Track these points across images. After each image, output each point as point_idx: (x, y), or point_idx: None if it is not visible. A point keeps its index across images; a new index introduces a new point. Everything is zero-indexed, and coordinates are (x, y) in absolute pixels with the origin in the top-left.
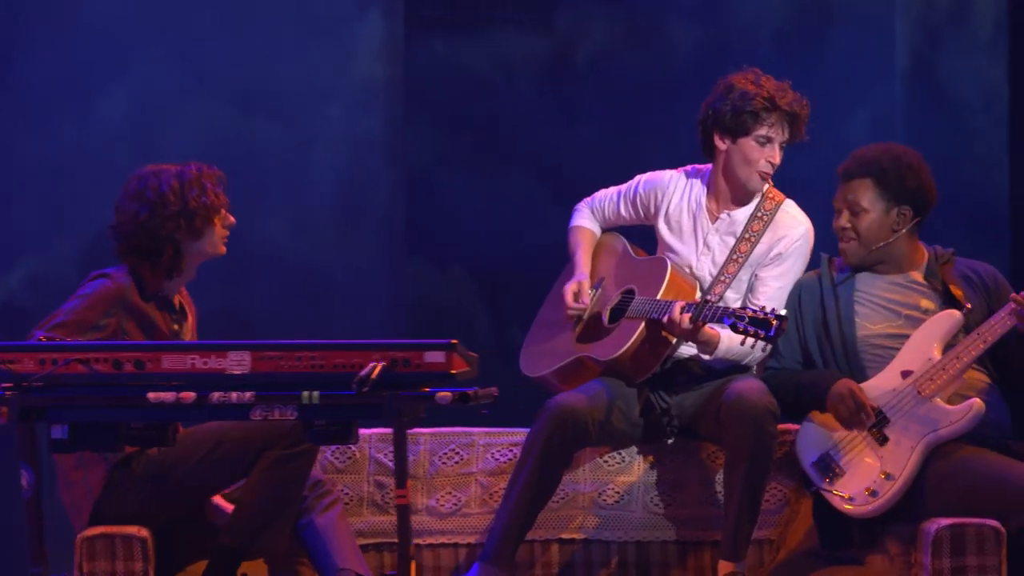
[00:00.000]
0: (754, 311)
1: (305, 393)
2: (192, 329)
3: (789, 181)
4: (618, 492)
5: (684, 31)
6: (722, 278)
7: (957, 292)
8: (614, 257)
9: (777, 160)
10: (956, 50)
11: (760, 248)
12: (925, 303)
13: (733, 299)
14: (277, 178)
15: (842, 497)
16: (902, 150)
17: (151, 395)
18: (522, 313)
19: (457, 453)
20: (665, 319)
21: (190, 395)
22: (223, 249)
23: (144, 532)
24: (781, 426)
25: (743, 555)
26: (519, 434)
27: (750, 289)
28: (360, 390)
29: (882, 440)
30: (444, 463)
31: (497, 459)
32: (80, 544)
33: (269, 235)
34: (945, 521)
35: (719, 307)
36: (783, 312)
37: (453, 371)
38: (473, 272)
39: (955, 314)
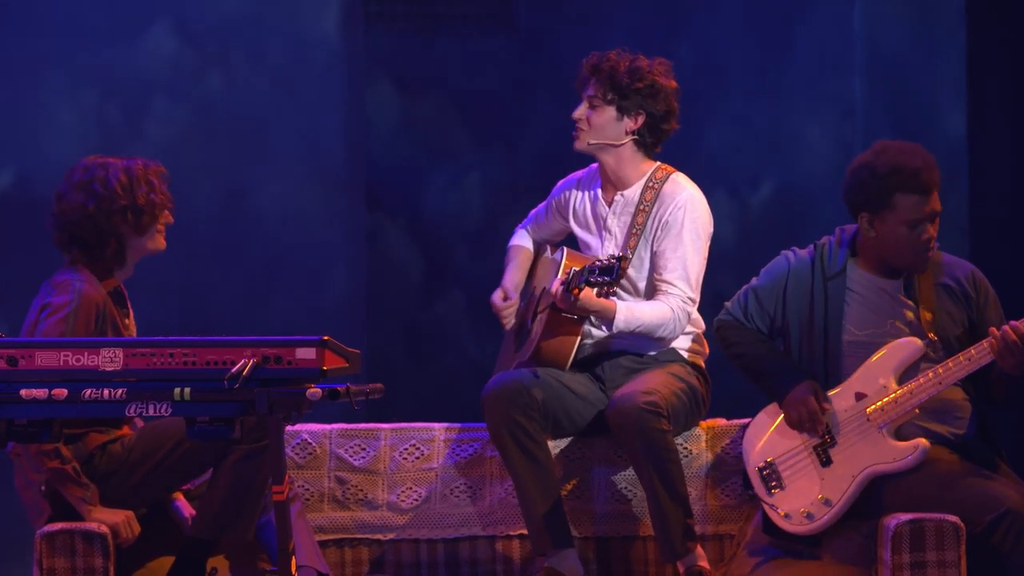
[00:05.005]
0: (601, 261)
1: (177, 390)
2: (133, 321)
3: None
4: (578, 488)
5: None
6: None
7: (925, 316)
8: (550, 267)
9: (577, 113)
10: (915, 43)
11: (652, 219)
12: (910, 315)
13: (636, 278)
14: (243, 139)
15: (779, 513)
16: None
17: (23, 392)
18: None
19: (418, 448)
20: (551, 295)
21: (62, 392)
22: (163, 244)
23: (104, 528)
24: (708, 422)
25: (685, 551)
26: (480, 429)
27: (652, 267)
28: (232, 386)
29: (826, 461)
30: (405, 459)
31: (458, 454)
32: (40, 540)
33: (231, 192)
34: (905, 516)
35: (580, 270)
36: (622, 254)
37: (325, 367)
38: (428, 232)
39: (916, 343)
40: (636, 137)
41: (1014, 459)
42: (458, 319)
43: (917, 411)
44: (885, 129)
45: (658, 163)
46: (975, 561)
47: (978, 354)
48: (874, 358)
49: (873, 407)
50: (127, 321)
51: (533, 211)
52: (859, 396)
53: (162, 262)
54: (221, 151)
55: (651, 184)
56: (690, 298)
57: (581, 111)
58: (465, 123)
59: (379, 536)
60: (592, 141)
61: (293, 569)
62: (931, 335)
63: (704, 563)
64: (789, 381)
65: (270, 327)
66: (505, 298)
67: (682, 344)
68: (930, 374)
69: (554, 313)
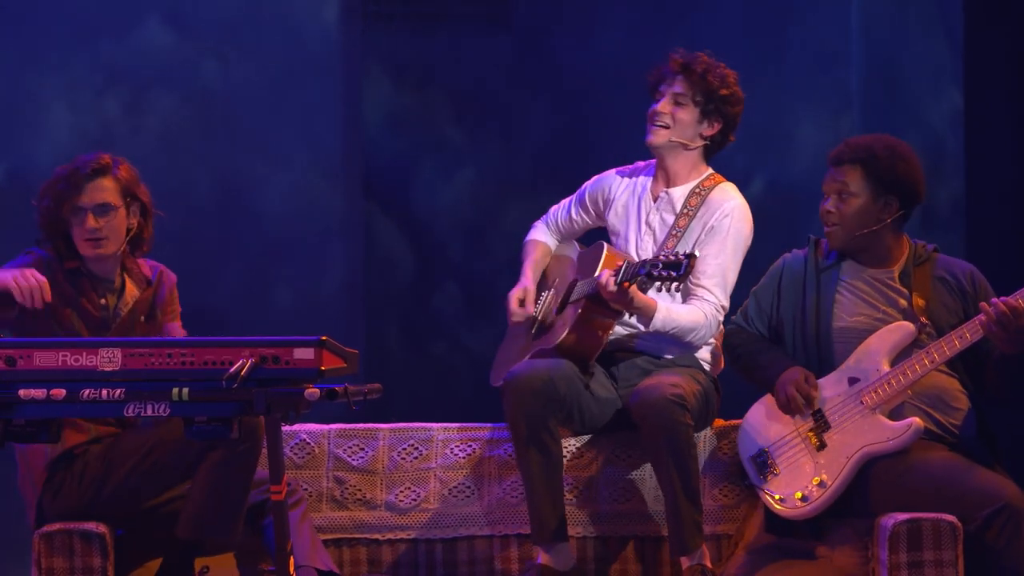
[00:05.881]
0: (666, 255)
1: (175, 390)
2: (132, 301)
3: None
4: (578, 487)
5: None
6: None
7: (918, 302)
8: (567, 263)
9: (663, 108)
10: (911, 41)
11: (696, 223)
12: (903, 302)
13: None
14: (241, 135)
15: (773, 498)
16: (896, 141)
17: (22, 392)
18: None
19: (416, 448)
20: (597, 286)
21: (60, 392)
22: (86, 251)
23: (103, 528)
24: (720, 421)
25: (694, 546)
26: (477, 429)
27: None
28: (230, 386)
29: (820, 445)
30: (403, 458)
31: (456, 454)
32: (38, 540)
33: (228, 187)
34: (902, 516)
35: (638, 263)
36: (693, 251)
37: (323, 368)
38: (424, 228)
39: (908, 326)
40: (707, 143)
41: (1013, 459)
42: (456, 315)
43: (910, 392)
44: (881, 124)
45: (710, 171)
46: (970, 559)
47: (970, 332)
48: (866, 343)
49: (866, 390)
50: (104, 302)
51: (555, 206)
52: (852, 381)
53: (159, 256)
54: (218, 146)
55: (698, 190)
56: (723, 306)
57: (666, 106)
58: (462, 121)
59: (377, 536)
60: (673, 138)
61: (291, 569)
62: (923, 319)
63: (707, 562)
64: (780, 367)
65: (267, 322)
66: (522, 302)
67: (701, 354)
68: (922, 355)
69: (591, 305)
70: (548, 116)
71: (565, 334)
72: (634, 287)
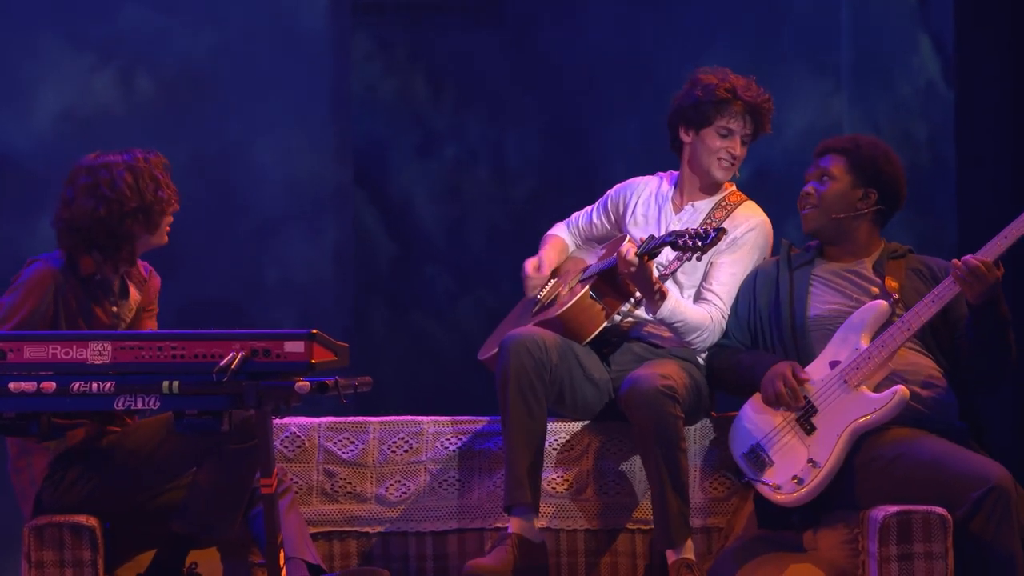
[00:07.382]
0: (695, 228)
1: (166, 383)
2: (135, 305)
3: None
4: (569, 479)
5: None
6: (679, 257)
7: (891, 284)
8: (581, 263)
9: (738, 152)
10: (901, 27)
11: None
12: (875, 290)
13: (686, 283)
14: (231, 126)
15: (770, 486)
16: (882, 142)
17: (12, 385)
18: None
19: (406, 442)
20: (615, 258)
21: (51, 385)
22: (166, 240)
23: (93, 521)
24: (712, 414)
25: (680, 540)
26: (468, 422)
27: (704, 277)
28: (220, 379)
29: (809, 429)
30: (393, 452)
31: (447, 447)
32: (28, 533)
33: (217, 174)
34: (892, 508)
35: (663, 234)
36: (723, 227)
37: (313, 360)
38: (414, 218)
39: (881, 303)
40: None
41: (1000, 445)
42: (444, 298)
43: (891, 366)
44: (870, 111)
45: (734, 187)
46: (961, 546)
47: (941, 291)
48: (842, 327)
49: (848, 369)
50: (115, 308)
51: (578, 212)
52: (833, 364)
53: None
54: (206, 129)
55: (724, 204)
56: (726, 314)
57: (737, 147)
58: (452, 112)
59: (368, 529)
60: (737, 172)
61: (281, 562)
62: (895, 296)
63: (692, 556)
64: (765, 364)
65: (256, 311)
66: (538, 268)
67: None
68: (899, 324)
69: (601, 283)
70: (538, 108)
71: (569, 305)
72: (652, 264)
